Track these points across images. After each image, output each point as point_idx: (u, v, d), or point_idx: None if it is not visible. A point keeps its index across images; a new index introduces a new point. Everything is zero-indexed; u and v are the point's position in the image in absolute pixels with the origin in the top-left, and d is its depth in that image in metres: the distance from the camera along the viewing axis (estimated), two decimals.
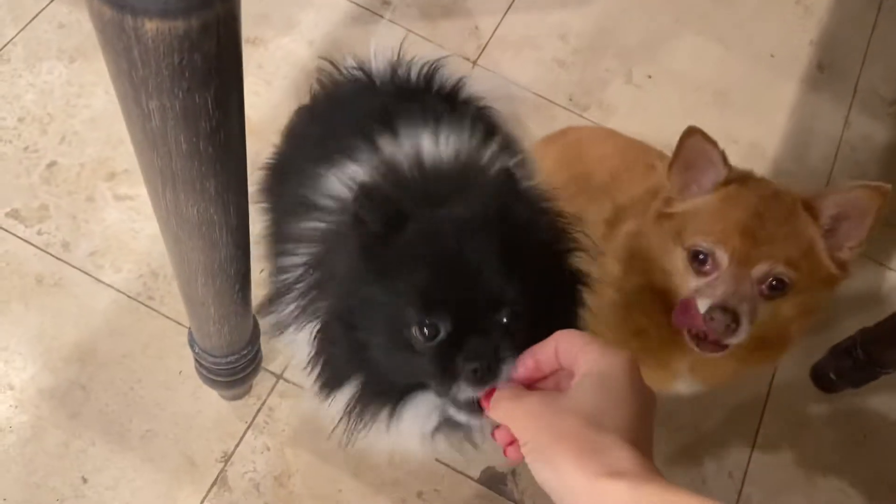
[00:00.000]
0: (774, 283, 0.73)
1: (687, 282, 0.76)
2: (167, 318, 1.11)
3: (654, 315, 0.83)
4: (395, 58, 0.88)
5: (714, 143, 0.79)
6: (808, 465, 1.18)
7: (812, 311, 0.80)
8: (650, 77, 1.46)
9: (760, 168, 1.44)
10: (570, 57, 1.45)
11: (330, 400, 0.66)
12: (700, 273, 0.75)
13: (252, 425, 1.07)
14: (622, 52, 1.47)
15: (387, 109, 0.78)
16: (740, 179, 0.80)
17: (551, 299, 0.63)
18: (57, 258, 1.13)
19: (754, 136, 1.43)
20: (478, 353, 0.56)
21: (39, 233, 1.14)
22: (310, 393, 0.69)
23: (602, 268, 0.85)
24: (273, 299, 0.73)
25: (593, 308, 0.76)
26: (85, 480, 1.01)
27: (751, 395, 1.21)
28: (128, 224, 1.16)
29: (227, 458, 1.05)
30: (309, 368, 0.67)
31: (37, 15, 1.30)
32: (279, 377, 1.10)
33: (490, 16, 1.46)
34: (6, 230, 1.13)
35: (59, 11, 1.31)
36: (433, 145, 0.72)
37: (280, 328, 0.71)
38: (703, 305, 0.73)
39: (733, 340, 0.73)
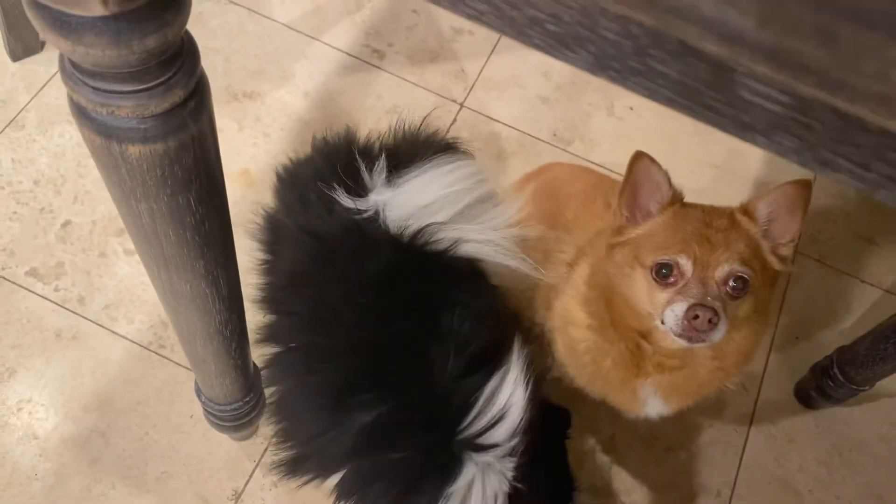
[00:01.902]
0: (735, 283, 0.79)
1: (654, 297, 0.81)
2: (177, 364, 1.18)
3: (619, 345, 0.88)
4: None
5: (659, 166, 0.84)
6: (795, 480, 1.23)
7: (763, 310, 0.85)
8: (632, 109, 1.51)
9: (741, 191, 1.50)
10: (552, 93, 1.51)
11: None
12: (667, 285, 0.81)
13: (260, 464, 1.14)
14: (603, 85, 1.53)
15: (377, 275, 0.87)
16: (682, 200, 0.86)
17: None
18: (73, 312, 1.21)
19: (734, 161, 1.48)
20: None
21: (56, 289, 1.22)
22: None
23: (567, 311, 0.92)
24: (291, 461, 0.89)
25: (560, 349, 0.83)
26: None
27: (737, 414, 1.26)
28: (138, 277, 1.24)
29: (237, 496, 1.11)
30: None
31: (48, 81, 1.39)
32: None
33: (475, 58, 1.53)
34: (26, 288, 1.21)
35: None
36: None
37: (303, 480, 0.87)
38: (680, 308, 0.78)
39: (716, 336, 0.78)
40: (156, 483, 1.11)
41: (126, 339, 1.19)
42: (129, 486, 1.11)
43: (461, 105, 1.47)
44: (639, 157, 0.82)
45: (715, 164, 1.48)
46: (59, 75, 1.38)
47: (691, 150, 1.49)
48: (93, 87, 0.47)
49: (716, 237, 0.80)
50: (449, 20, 1.57)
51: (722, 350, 0.85)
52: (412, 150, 0.94)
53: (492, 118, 1.47)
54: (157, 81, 0.47)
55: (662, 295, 0.80)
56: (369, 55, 1.52)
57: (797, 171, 1.53)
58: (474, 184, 0.93)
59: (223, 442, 1.14)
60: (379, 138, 1.00)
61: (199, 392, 0.99)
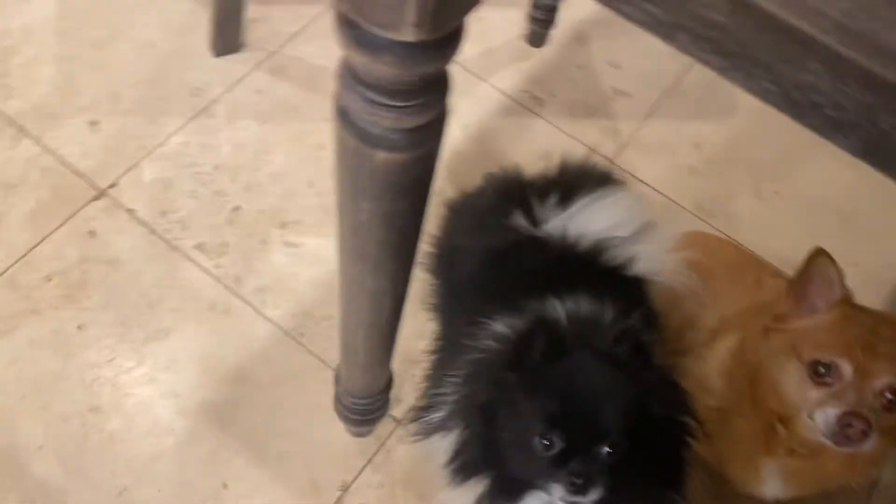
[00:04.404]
0: (893, 395, 0.80)
1: (805, 392, 0.83)
2: (312, 354, 1.27)
3: (754, 422, 0.90)
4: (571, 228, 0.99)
5: (836, 265, 0.87)
6: None
7: None
8: (777, 193, 1.53)
9: (879, 296, 1.48)
10: (702, 165, 1.55)
11: (461, 488, 0.81)
12: (821, 384, 0.82)
13: (371, 462, 1.20)
14: (753, 166, 1.55)
15: (553, 273, 0.93)
16: (851, 301, 0.88)
17: (654, 444, 0.78)
18: (229, 289, 1.32)
19: (876, 264, 1.47)
20: (578, 471, 0.74)
21: (217, 266, 1.33)
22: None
23: (703, 377, 0.94)
24: (428, 408, 0.90)
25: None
26: (225, 486, 1.17)
27: None
28: (291, 268, 1.34)
29: (345, 488, 1.18)
30: (448, 460, 0.83)
31: (240, 79, 1.53)
32: (399, 422, 1.23)
33: (631, 120, 1.58)
34: (192, 260, 1.33)
35: (259, 79, 1.53)
36: (581, 307, 0.87)
37: (429, 432, 0.88)
38: (833, 413, 0.80)
39: (865, 446, 0.79)
40: (275, 460, 1.19)
41: (271, 322, 1.29)
42: (251, 459, 1.19)
43: (611, 161, 1.53)
44: (818, 253, 0.86)
45: (856, 263, 1.46)
46: (252, 74, 1.53)
47: (833, 244, 1.46)
48: (364, 97, 0.55)
49: (881, 346, 0.81)
50: (611, 81, 1.64)
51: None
52: (577, 183, 1.03)
53: (638, 178, 1.52)
54: (418, 101, 0.55)
55: (815, 393, 0.81)
56: (529, 101, 1.60)
57: None
58: (639, 212, 1.00)
59: (341, 434, 1.21)
60: (544, 173, 1.09)
61: (338, 381, 1.07)
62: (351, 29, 0.50)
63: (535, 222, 0.98)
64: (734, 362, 0.92)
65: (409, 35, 0.46)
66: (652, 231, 1.01)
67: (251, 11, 1.55)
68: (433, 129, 0.58)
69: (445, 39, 0.50)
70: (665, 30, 0.38)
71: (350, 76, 0.55)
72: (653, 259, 0.96)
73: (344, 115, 0.58)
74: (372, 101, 0.55)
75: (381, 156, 0.58)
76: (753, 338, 0.91)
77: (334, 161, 0.64)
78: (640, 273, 0.96)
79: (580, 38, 1.69)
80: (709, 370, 0.94)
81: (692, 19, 0.36)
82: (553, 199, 0.99)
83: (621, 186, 1.10)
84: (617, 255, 0.95)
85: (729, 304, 1.01)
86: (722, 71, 0.37)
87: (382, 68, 0.51)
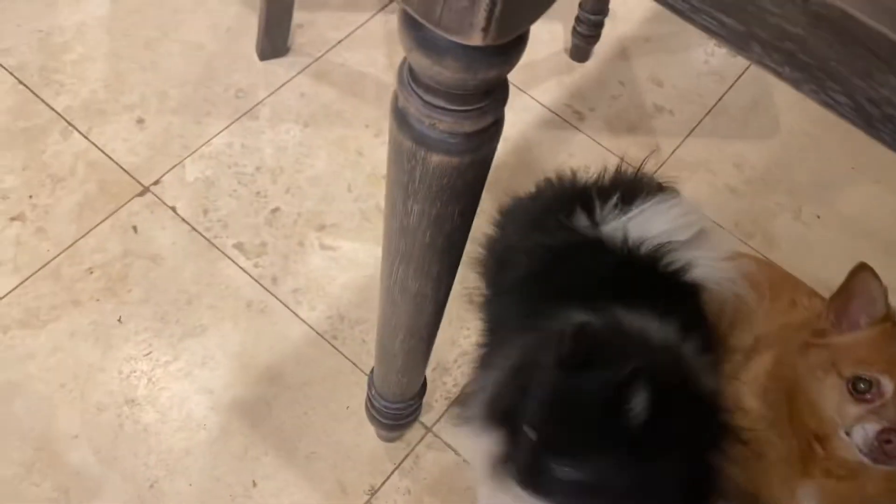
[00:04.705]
0: None
1: (844, 408, 0.83)
2: (345, 357, 1.28)
3: (791, 441, 0.89)
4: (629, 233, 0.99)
5: (880, 281, 0.86)
6: None
7: None
8: (819, 217, 1.51)
9: None
10: (742, 185, 1.54)
11: (478, 435, 0.83)
12: (861, 401, 0.82)
13: (399, 468, 1.20)
14: (794, 188, 1.54)
15: (609, 276, 0.93)
16: (894, 319, 0.87)
17: (680, 465, 0.77)
18: (266, 289, 1.33)
19: None
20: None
21: (256, 265, 1.35)
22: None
23: (736, 398, 0.93)
24: (471, 396, 0.90)
25: None
26: (255, 484, 1.17)
27: None
28: (327, 271, 1.35)
29: (373, 492, 1.18)
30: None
31: (285, 83, 1.55)
32: (429, 430, 1.23)
33: (671, 137, 1.58)
34: (231, 259, 1.35)
35: (302, 83, 1.55)
36: (631, 318, 0.87)
37: (468, 420, 0.89)
38: (872, 429, 0.79)
39: None
40: (304, 460, 1.20)
41: (306, 323, 1.30)
42: (280, 458, 1.20)
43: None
44: (862, 268, 0.85)
45: None
46: (296, 79, 1.55)
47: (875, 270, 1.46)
48: (423, 100, 0.56)
49: None
50: (653, 97, 1.64)
51: None
52: (635, 187, 1.03)
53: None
54: (477, 106, 0.56)
55: (854, 409, 0.81)
56: (570, 115, 1.60)
57: None
58: (695, 218, 1.00)
59: (370, 438, 1.22)
60: (599, 179, 1.10)
61: (371, 384, 1.08)
62: (415, 30, 0.50)
63: (595, 223, 0.99)
64: (770, 380, 0.91)
65: (475, 39, 0.47)
66: (708, 238, 1.01)
67: (297, 17, 1.57)
68: (489, 135, 0.59)
69: (510, 46, 0.51)
70: (738, 40, 0.38)
71: (410, 78, 0.56)
72: (710, 265, 0.97)
73: (401, 117, 0.59)
74: (430, 105, 0.56)
75: (436, 159, 0.59)
76: (790, 355, 0.90)
77: (387, 162, 0.65)
78: (696, 279, 0.96)
79: (623, 54, 1.69)
80: (744, 391, 0.93)
81: (767, 29, 0.35)
82: (613, 201, 0.99)
83: (677, 193, 1.10)
84: (675, 260, 0.95)
85: (763, 324, 1.00)
86: (795, 83, 0.38)
87: (444, 72, 0.52)
